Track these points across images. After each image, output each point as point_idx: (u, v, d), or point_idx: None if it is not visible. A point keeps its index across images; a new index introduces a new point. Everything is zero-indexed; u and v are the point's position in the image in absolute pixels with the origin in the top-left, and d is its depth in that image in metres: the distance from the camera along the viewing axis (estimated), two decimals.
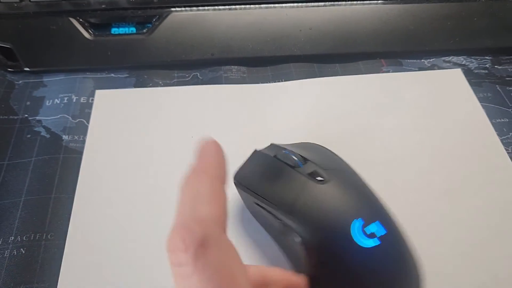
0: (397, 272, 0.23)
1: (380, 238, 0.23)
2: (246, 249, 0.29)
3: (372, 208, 0.24)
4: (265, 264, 0.28)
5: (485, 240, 0.29)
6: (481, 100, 0.37)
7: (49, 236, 0.29)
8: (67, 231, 0.29)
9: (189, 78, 0.39)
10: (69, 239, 0.29)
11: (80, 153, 0.33)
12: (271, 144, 0.29)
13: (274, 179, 0.26)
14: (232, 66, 0.39)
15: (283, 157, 0.27)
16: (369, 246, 0.22)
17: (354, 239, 0.22)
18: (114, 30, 0.41)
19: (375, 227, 0.23)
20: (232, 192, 0.29)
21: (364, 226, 0.23)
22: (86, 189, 0.31)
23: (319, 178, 0.25)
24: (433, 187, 0.31)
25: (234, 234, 0.29)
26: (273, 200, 0.25)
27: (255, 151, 0.29)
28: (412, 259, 0.24)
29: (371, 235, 0.23)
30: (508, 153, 0.33)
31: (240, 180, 0.28)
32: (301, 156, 0.26)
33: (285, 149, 0.27)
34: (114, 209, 0.30)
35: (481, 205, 0.30)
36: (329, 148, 0.29)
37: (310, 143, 0.31)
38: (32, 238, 0.29)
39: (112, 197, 0.31)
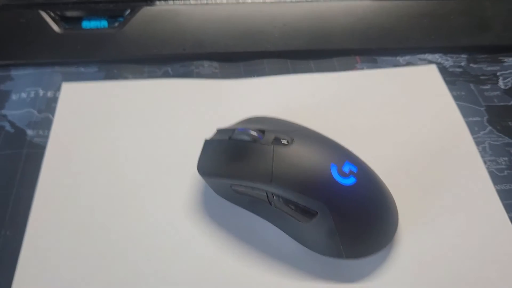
0: (379, 197, 0.27)
1: (355, 175, 0.25)
2: (233, 233, 0.28)
3: (338, 152, 0.27)
4: (256, 240, 0.28)
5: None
6: (454, 98, 0.37)
7: (7, 233, 0.28)
8: (26, 227, 0.28)
9: (160, 73, 0.38)
10: (27, 236, 0.28)
11: (44, 148, 0.33)
12: (218, 130, 0.30)
13: (242, 158, 0.27)
14: (204, 61, 0.39)
15: (239, 135, 0.27)
16: (350, 184, 0.25)
17: (338, 181, 0.25)
18: (85, 24, 0.40)
19: (347, 167, 0.25)
20: (193, 170, 0.29)
21: (338, 169, 0.25)
22: (48, 185, 0.30)
23: (284, 142, 0.26)
24: (403, 183, 0.31)
25: (217, 223, 0.29)
26: (251, 177, 0.26)
27: (207, 141, 0.29)
28: (386, 186, 0.28)
29: (348, 174, 0.25)
30: (478, 151, 0.33)
31: (208, 170, 0.28)
32: (256, 129, 0.27)
33: (236, 128, 0.28)
34: (75, 205, 0.30)
35: (450, 203, 0.30)
36: (273, 116, 0.31)
37: (255, 116, 0.31)
38: None
39: (74, 193, 0.30)
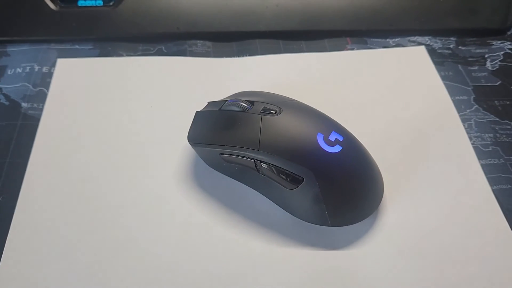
0: (364, 166, 0.27)
1: (341, 144, 0.26)
2: (219, 198, 0.29)
3: (325, 123, 0.27)
4: (244, 208, 0.29)
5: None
6: (442, 78, 0.37)
7: (0, 198, 0.29)
8: (19, 194, 0.29)
9: (154, 51, 0.39)
10: (20, 201, 0.29)
11: (38, 120, 0.33)
12: (209, 102, 0.31)
13: (231, 127, 0.27)
14: (197, 41, 0.39)
15: (229, 106, 0.28)
16: (336, 151, 0.26)
17: (324, 149, 0.26)
18: (81, 2, 0.40)
19: (334, 136, 0.26)
20: (184, 143, 0.30)
21: (325, 137, 0.26)
22: (40, 155, 0.31)
23: (272, 112, 0.27)
24: (392, 158, 0.31)
25: (206, 192, 0.30)
26: (239, 144, 0.27)
27: (197, 112, 0.30)
28: (371, 156, 0.28)
29: (334, 143, 0.26)
30: (464, 128, 0.34)
31: (198, 139, 0.29)
32: (246, 100, 0.28)
33: (227, 100, 0.29)
34: (68, 174, 0.30)
35: (435, 175, 0.30)
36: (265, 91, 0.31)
37: (247, 90, 0.32)
38: None
39: (67, 162, 0.31)
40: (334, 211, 0.26)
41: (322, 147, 0.26)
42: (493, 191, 0.30)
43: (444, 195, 0.30)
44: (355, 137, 0.28)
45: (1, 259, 0.26)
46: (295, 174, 0.26)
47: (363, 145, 0.29)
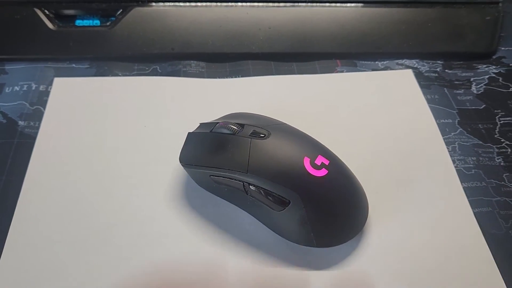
0: (349, 189, 0.28)
1: (327, 167, 0.27)
2: (208, 218, 0.30)
3: (312, 147, 0.28)
4: (233, 228, 0.30)
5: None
6: (428, 101, 0.38)
7: None
8: (14, 211, 0.30)
9: (149, 71, 0.40)
10: (15, 220, 0.29)
11: (34, 138, 0.34)
12: (201, 124, 0.32)
13: (221, 150, 0.28)
14: (191, 61, 0.41)
15: (219, 129, 0.29)
16: (322, 175, 0.27)
17: (311, 173, 0.27)
18: (79, 22, 0.42)
19: (320, 160, 0.27)
20: (177, 163, 0.31)
21: (311, 161, 0.27)
22: (36, 173, 0.32)
23: (261, 135, 0.28)
24: (377, 180, 0.32)
25: (197, 212, 0.31)
26: (228, 166, 0.28)
27: (189, 134, 0.31)
28: (356, 179, 0.29)
29: (320, 167, 0.27)
30: (448, 151, 0.35)
31: (189, 161, 0.30)
32: (236, 123, 0.29)
33: (218, 122, 0.30)
34: (62, 192, 0.31)
35: (419, 197, 0.31)
36: (255, 112, 0.32)
37: (237, 112, 0.33)
38: None
39: (62, 180, 0.32)
40: (319, 232, 0.27)
41: (309, 170, 0.27)
42: (475, 214, 0.31)
43: (426, 218, 0.31)
44: (341, 161, 0.29)
45: None
46: (282, 197, 0.27)
47: (348, 168, 0.30)
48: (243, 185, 0.28)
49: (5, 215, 0.30)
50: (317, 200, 0.27)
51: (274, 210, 0.27)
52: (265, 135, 0.28)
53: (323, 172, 0.27)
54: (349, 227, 0.28)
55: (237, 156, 0.28)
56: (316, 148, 0.29)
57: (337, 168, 0.28)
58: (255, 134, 0.28)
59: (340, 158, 0.30)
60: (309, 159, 0.27)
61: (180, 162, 0.30)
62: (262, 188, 0.27)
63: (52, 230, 0.29)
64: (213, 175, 0.29)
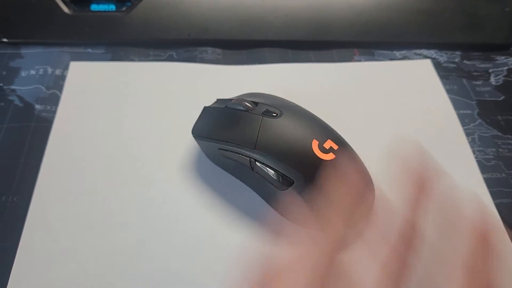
0: (355, 176, 0.27)
1: (335, 152, 0.27)
2: (215, 193, 0.31)
3: (323, 130, 0.28)
4: (237, 203, 0.30)
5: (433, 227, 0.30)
6: (447, 92, 0.38)
7: (15, 199, 0.29)
8: (32, 194, 0.30)
9: (165, 57, 0.40)
10: (34, 202, 0.29)
11: (51, 122, 0.34)
12: (217, 99, 0.32)
13: (232, 124, 0.29)
14: (208, 48, 0.40)
15: (234, 105, 0.30)
16: (329, 159, 0.27)
17: (318, 156, 0.26)
18: (94, 7, 0.41)
19: (329, 144, 0.27)
20: (191, 148, 0.32)
21: (319, 144, 0.27)
22: (54, 156, 0.32)
23: (273, 114, 0.28)
24: (392, 171, 0.32)
25: (203, 185, 0.31)
26: (237, 141, 0.28)
27: (205, 107, 0.32)
28: (364, 169, 0.29)
29: (328, 151, 0.27)
30: (468, 142, 0.34)
31: (200, 133, 0.30)
32: (250, 101, 0.29)
33: (233, 99, 0.30)
34: (78, 176, 0.31)
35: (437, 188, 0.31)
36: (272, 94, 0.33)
37: (255, 92, 0.33)
38: None
39: (78, 165, 0.31)
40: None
41: (316, 153, 0.27)
42: (495, 204, 0.31)
43: (445, 209, 0.30)
44: (351, 148, 0.29)
45: (16, 257, 0.27)
46: (286, 176, 0.27)
47: (358, 157, 0.29)
48: (250, 161, 0.28)
49: (23, 198, 0.29)
50: (321, 184, 0.27)
51: (278, 189, 0.27)
52: (277, 114, 0.28)
53: (330, 156, 0.27)
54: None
55: (247, 132, 0.28)
56: (327, 132, 0.29)
57: (345, 154, 0.28)
58: (267, 113, 0.28)
59: (354, 147, 0.30)
60: (318, 142, 0.27)
61: (192, 133, 0.31)
62: (267, 165, 0.27)
63: (69, 213, 0.29)
64: (221, 148, 0.29)
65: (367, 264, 0.27)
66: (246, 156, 0.28)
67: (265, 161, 0.27)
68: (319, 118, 0.30)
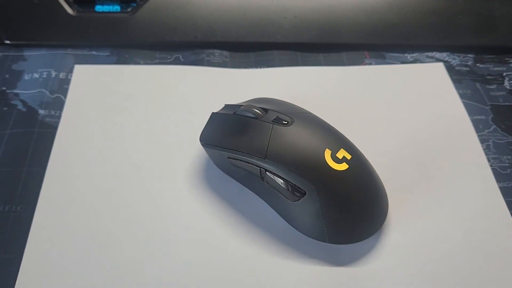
0: (369, 187, 0.27)
1: (348, 162, 0.26)
2: (224, 202, 0.30)
3: (335, 139, 0.28)
4: (247, 214, 0.29)
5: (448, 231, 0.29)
6: (460, 96, 0.37)
7: (18, 208, 0.29)
8: (36, 204, 0.29)
9: (171, 60, 0.39)
10: (38, 212, 0.28)
11: (55, 128, 0.33)
12: (226, 105, 0.31)
13: (242, 132, 0.28)
14: (215, 50, 0.39)
15: (243, 112, 0.29)
16: (343, 169, 0.26)
17: (331, 166, 0.26)
18: (98, 8, 0.40)
19: (342, 154, 0.26)
20: (199, 155, 0.31)
21: (332, 154, 0.26)
22: (58, 164, 0.31)
23: (284, 122, 0.27)
24: (407, 177, 0.31)
25: (211, 194, 0.30)
26: (247, 150, 0.27)
27: (213, 113, 0.31)
28: (378, 177, 0.28)
29: (341, 160, 0.26)
30: (483, 149, 0.33)
31: (209, 141, 0.30)
32: (260, 107, 0.28)
33: (242, 105, 0.29)
34: (84, 184, 0.30)
35: (452, 197, 0.30)
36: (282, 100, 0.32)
37: (264, 97, 0.32)
38: (1, 210, 0.29)
39: (83, 173, 0.31)
40: (332, 228, 0.27)
41: (328, 163, 0.26)
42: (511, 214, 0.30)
43: (459, 219, 0.29)
44: (364, 157, 0.28)
45: (20, 270, 0.26)
46: (297, 187, 0.26)
47: (371, 166, 0.29)
48: (260, 171, 0.27)
49: (27, 208, 0.29)
50: (334, 195, 0.26)
51: (289, 200, 0.27)
52: (288, 122, 0.27)
53: (343, 167, 0.26)
54: (365, 226, 0.27)
55: (257, 140, 0.27)
56: (340, 141, 0.28)
57: (358, 164, 0.27)
58: (278, 120, 0.28)
59: (365, 154, 0.29)
60: (330, 152, 0.26)
61: (200, 141, 0.30)
62: (278, 175, 0.26)
63: (75, 224, 0.28)
64: (230, 157, 0.28)
65: (381, 277, 0.26)
66: (256, 166, 0.27)
67: (276, 171, 0.26)
68: (331, 125, 0.29)
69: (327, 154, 0.26)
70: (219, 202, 0.30)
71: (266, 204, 0.30)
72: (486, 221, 0.29)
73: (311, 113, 0.30)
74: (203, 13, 0.40)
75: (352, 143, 0.29)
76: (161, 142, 0.33)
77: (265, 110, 0.29)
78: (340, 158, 0.26)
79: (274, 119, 0.28)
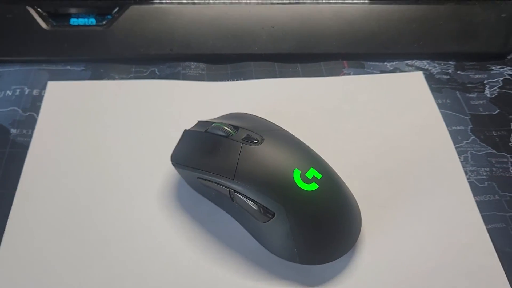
0: (339, 206, 0.27)
1: (318, 182, 0.26)
2: (195, 222, 0.29)
3: (305, 158, 0.27)
4: (219, 233, 0.29)
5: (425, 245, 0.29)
6: (440, 106, 0.37)
7: None
8: (5, 228, 0.28)
9: (147, 73, 0.38)
10: (6, 235, 0.28)
11: (27, 147, 0.33)
12: (199, 121, 0.31)
13: (211, 152, 0.27)
14: (191, 63, 0.39)
15: (214, 130, 0.28)
16: (312, 190, 0.25)
17: (299, 186, 0.25)
18: (73, 21, 0.40)
19: (311, 173, 0.26)
20: (172, 173, 0.31)
21: (301, 174, 0.26)
22: (28, 185, 0.30)
23: (254, 141, 0.27)
24: (382, 192, 0.31)
25: (183, 214, 0.30)
26: (215, 171, 0.27)
27: (185, 131, 0.30)
28: (350, 196, 0.28)
29: (310, 181, 0.26)
30: (460, 161, 0.33)
31: (179, 160, 0.29)
32: (231, 125, 0.28)
33: (213, 122, 0.29)
34: (54, 206, 0.30)
35: (428, 212, 0.30)
36: (255, 114, 0.31)
37: (238, 112, 0.32)
38: None
39: (54, 194, 0.30)
40: (303, 248, 0.26)
41: (297, 183, 0.25)
42: (488, 230, 0.29)
43: (435, 234, 0.29)
44: (336, 175, 0.28)
45: None
46: (266, 208, 0.26)
47: (343, 184, 0.28)
48: (229, 192, 0.27)
49: None
50: (303, 216, 0.26)
51: (259, 221, 0.26)
52: (258, 141, 0.27)
53: (313, 187, 0.26)
54: (336, 245, 0.27)
55: (226, 160, 0.27)
56: (310, 160, 0.27)
57: (329, 183, 0.27)
58: (248, 139, 0.27)
59: (340, 168, 0.28)
60: (300, 171, 0.26)
61: (171, 160, 0.30)
62: (247, 196, 0.26)
63: (46, 245, 0.28)
64: (200, 178, 0.28)
65: None
66: (226, 187, 0.27)
67: (245, 192, 0.26)
68: (302, 143, 0.29)
69: (296, 174, 0.26)
70: (190, 222, 0.29)
71: (238, 223, 0.29)
72: (462, 237, 0.29)
73: (284, 130, 0.30)
74: (178, 25, 0.39)
75: (324, 161, 0.28)
76: (135, 160, 0.32)
77: (236, 128, 0.28)
78: (310, 178, 0.26)
79: (244, 138, 0.27)
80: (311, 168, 0.26)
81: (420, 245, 0.29)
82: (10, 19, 0.39)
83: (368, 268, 0.27)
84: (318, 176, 0.26)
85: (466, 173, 0.32)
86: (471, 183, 0.32)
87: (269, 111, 0.35)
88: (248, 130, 0.28)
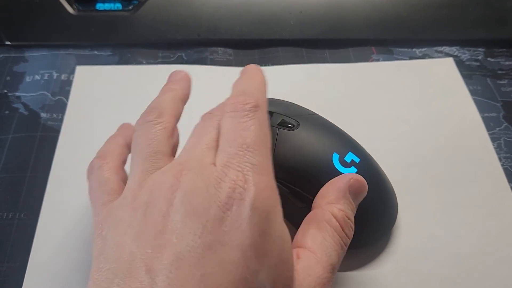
0: (378, 191, 0.27)
1: (356, 166, 0.26)
2: None
3: (343, 142, 0.27)
4: None
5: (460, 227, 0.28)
6: (471, 93, 0.36)
7: (22, 215, 0.28)
8: (40, 210, 0.29)
9: (174, 59, 0.38)
10: (42, 219, 0.28)
11: (58, 131, 0.33)
12: None
13: None
14: (218, 48, 0.38)
15: None
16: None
17: (339, 170, 0.25)
18: (99, 6, 0.40)
19: (350, 157, 0.26)
20: None
21: (340, 158, 0.25)
22: (61, 169, 0.30)
23: (290, 125, 0.27)
24: (416, 178, 0.31)
25: None
26: None
27: None
28: (387, 181, 0.28)
29: (349, 164, 0.25)
30: (494, 148, 0.33)
31: None
32: None
33: None
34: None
35: (462, 198, 0.30)
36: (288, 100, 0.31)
37: (268, 98, 0.31)
38: (4, 217, 0.28)
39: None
40: None
41: (337, 167, 0.25)
42: None
43: (471, 221, 0.29)
44: (372, 159, 0.28)
45: (24, 280, 0.26)
46: (305, 192, 0.25)
47: (380, 168, 0.28)
48: None
49: (31, 215, 0.28)
50: None
51: (296, 205, 0.26)
52: (293, 126, 0.27)
53: (352, 171, 0.25)
54: (374, 230, 0.27)
55: None
56: (348, 143, 0.27)
57: (367, 167, 0.27)
58: (283, 124, 0.27)
59: (373, 155, 0.28)
60: (338, 155, 0.26)
61: None
62: (285, 181, 0.26)
63: (79, 230, 0.28)
64: None
65: (392, 279, 0.26)
66: None
67: (283, 177, 0.26)
68: (337, 127, 0.28)
69: (335, 158, 0.26)
70: None
71: None
72: (497, 223, 0.29)
73: (317, 114, 0.29)
74: (206, 10, 0.39)
75: (359, 144, 0.28)
76: None
77: (270, 113, 0.28)
78: (349, 161, 0.26)
79: (280, 123, 0.27)
80: (350, 152, 0.26)
81: (455, 232, 0.28)
82: (37, 4, 0.39)
83: (404, 253, 0.27)
84: (357, 160, 0.26)
85: (500, 159, 0.32)
86: (505, 170, 0.31)
87: (298, 97, 0.35)
88: (282, 115, 0.28)
